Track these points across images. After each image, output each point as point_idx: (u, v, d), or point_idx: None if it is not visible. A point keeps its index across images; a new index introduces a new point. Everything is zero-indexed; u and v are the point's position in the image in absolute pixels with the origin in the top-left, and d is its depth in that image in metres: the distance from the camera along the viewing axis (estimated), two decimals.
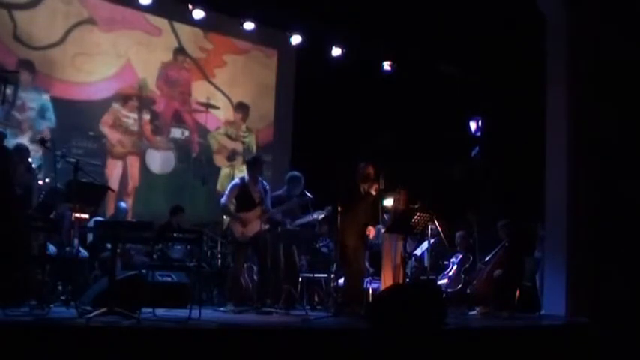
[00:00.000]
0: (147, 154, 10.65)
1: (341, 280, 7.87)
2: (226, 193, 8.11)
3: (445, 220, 8.49)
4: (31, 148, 8.01)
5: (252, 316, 7.13)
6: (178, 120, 11.03)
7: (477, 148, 11.83)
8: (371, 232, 7.75)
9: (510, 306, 8.39)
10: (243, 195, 7.95)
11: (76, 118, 10.02)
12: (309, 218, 8.34)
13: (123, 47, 10.54)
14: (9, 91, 7.80)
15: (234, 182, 8.25)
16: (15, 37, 9.61)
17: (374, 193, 7.79)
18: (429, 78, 11.65)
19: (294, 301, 8.21)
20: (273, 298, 8.04)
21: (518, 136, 10.74)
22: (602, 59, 8.50)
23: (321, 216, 8.30)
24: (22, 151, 7.20)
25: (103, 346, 4.80)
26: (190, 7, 10.65)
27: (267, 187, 8.16)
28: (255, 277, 8.48)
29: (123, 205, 9.30)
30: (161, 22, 10.93)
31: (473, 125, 11.92)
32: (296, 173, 8.51)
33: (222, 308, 7.71)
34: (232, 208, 8.11)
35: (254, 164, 8.13)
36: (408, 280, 8.00)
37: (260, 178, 8.12)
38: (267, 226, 7.95)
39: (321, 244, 9.15)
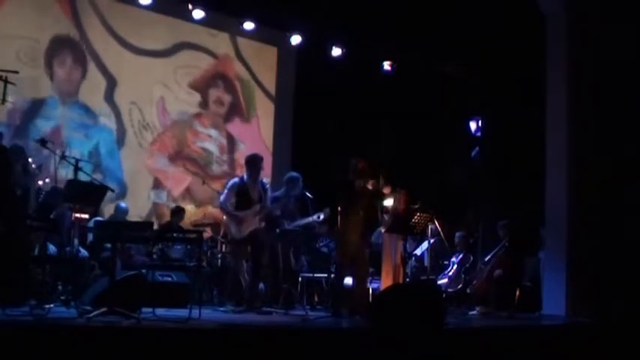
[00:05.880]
0: None
1: (347, 281, 7.69)
2: (225, 191, 7.97)
3: (445, 220, 8.49)
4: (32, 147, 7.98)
5: (252, 316, 7.12)
6: None
7: (477, 149, 11.82)
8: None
9: (510, 306, 8.40)
10: (242, 194, 7.84)
11: None
12: (308, 220, 8.28)
13: None
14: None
15: (233, 181, 8.11)
16: None
17: (370, 187, 7.54)
18: (429, 78, 11.65)
19: (293, 301, 8.19)
20: (272, 298, 8.03)
21: (518, 136, 10.74)
22: (602, 59, 8.50)
23: (321, 217, 8.21)
24: (17, 151, 7.01)
25: (103, 346, 4.80)
26: (190, 6, 10.63)
27: (267, 186, 8.06)
28: None
29: (123, 205, 9.24)
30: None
31: (473, 125, 11.92)
32: (294, 173, 8.47)
33: (222, 308, 7.70)
34: (231, 206, 8.01)
35: (253, 162, 7.95)
36: (408, 280, 7.99)
37: (260, 177, 7.99)
38: (263, 224, 7.86)
39: (321, 244, 9.13)
